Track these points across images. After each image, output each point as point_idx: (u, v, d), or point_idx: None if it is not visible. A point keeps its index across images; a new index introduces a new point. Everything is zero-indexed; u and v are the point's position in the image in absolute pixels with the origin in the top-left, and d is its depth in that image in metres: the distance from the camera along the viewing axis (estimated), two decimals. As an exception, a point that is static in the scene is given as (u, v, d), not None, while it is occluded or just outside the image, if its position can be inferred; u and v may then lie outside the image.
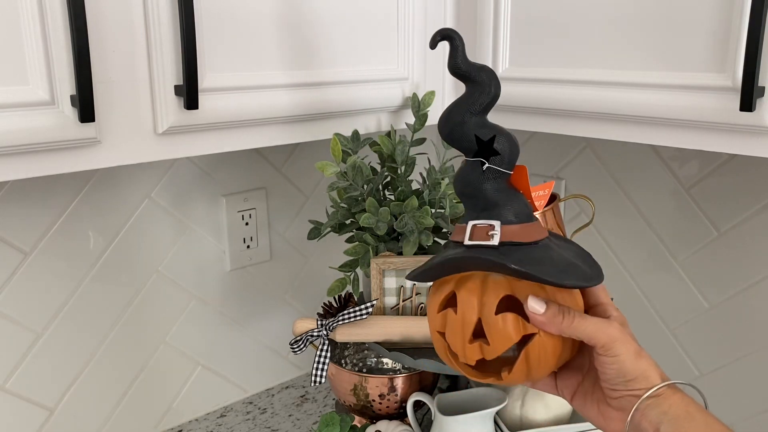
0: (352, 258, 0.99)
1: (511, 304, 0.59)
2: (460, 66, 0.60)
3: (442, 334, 0.62)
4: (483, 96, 0.60)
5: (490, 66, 0.97)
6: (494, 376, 0.61)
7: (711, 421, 0.56)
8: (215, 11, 0.76)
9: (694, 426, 0.56)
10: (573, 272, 0.58)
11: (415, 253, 0.95)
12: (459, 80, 0.61)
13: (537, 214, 0.94)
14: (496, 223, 0.58)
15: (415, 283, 0.96)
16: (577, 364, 0.64)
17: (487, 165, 0.58)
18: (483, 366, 0.62)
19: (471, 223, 0.60)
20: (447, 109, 0.61)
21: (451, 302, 0.62)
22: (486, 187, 0.59)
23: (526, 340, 0.59)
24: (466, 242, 0.59)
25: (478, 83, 0.60)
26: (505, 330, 0.58)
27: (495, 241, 0.57)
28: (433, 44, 0.62)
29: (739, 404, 1.12)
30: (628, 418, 0.57)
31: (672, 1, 0.78)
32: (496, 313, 0.58)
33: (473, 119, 0.59)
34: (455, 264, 0.60)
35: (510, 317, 0.58)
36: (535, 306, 0.57)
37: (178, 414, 1.19)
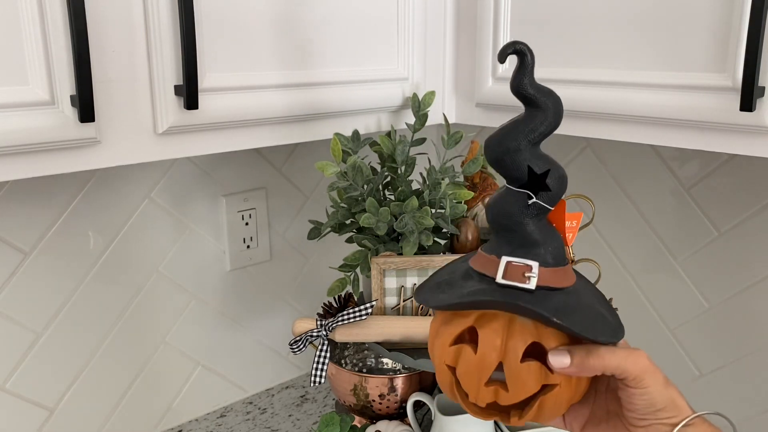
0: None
1: (533, 349, 0.55)
2: (526, 87, 0.53)
3: (451, 369, 0.57)
4: (545, 125, 0.54)
5: (490, 65, 0.97)
6: (501, 416, 0.58)
7: None
8: (215, 11, 0.76)
9: None
10: (602, 324, 0.55)
11: (415, 254, 0.95)
12: (519, 101, 0.54)
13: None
14: (534, 265, 0.53)
15: (416, 283, 0.96)
16: (584, 397, 0.61)
17: (533, 200, 0.54)
18: (492, 406, 0.58)
19: (505, 259, 0.54)
20: (500, 131, 0.55)
21: (464, 337, 0.57)
22: (528, 222, 0.54)
23: (543, 388, 0.56)
24: (499, 280, 0.54)
25: (542, 110, 0.54)
26: (529, 379, 0.54)
27: (531, 285, 0.53)
28: (503, 58, 0.54)
29: (739, 404, 1.12)
30: None
31: (672, 1, 0.78)
32: (522, 361, 0.54)
33: (530, 148, 0.54)
34: (485, 304, 0.55)
35: (535, 366, 0.54)
36: (560, 360, 0.54)
37: (177, 414, 1.19)
